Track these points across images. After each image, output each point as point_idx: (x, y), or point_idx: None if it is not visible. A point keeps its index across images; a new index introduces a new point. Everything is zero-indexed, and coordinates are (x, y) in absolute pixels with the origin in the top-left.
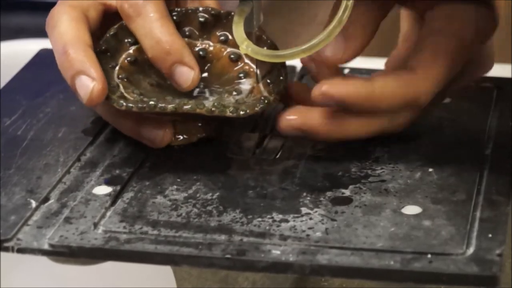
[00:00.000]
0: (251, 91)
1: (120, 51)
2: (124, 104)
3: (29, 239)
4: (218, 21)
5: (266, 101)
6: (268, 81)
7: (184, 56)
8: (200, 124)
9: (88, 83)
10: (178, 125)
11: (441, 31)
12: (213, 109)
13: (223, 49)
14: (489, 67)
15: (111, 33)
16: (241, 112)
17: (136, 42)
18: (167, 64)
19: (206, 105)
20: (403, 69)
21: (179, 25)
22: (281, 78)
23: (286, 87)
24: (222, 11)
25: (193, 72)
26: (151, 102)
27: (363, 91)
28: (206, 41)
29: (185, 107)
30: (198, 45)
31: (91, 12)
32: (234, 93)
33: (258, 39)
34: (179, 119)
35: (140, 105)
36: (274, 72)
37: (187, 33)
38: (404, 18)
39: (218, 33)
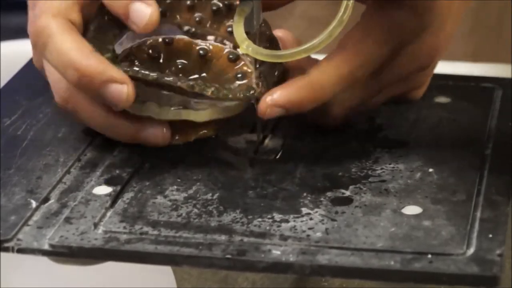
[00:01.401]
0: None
1: (106, 41)
2: (129, 69)
3: (29, 239)
4: (230, 11)
5: (251, 92)
6: (261, 74)
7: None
8: (198, 123)
9: (120, 88)
10: (175, 124)
11: (373, 13)
12: (194, 84)
13: (222, 49)
14: (426, 64)
15: (92, 29)
16: (221, 94)
17: (120, 33)
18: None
19: (188, 81)
20: (334, 51)
21: (192, 9)
22: (276, 73)
23: (278, 82)
24: (235, 3)
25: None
26: (135, 68)
27: (303, 86)
28: (207, 40)
29: (166, 78)
30: (199, 44)
31: (73, 15)
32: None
33: (262, 35)
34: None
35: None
36: (269, 65)
37: (197, 19)
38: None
39: (227, 24)
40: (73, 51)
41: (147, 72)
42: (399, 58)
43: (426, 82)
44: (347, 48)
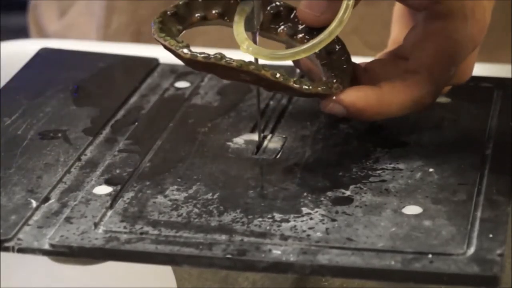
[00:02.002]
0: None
1: (187, 19)
2: (189, 53)
3: (30, 239)
4: (290, 14)
5: (328, 85)
6: (337, 75)
7: None
8: None
9: None
10: None
11: (439, 32)
12: (278, 75)
13: None
14: (468, 75)
15: (157, 21)
16: (304, 87)
17: (205, 16)
18: None
19: (271, 70)
20: (407, 72)
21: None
22: (345, 67)
23: (349, 79)
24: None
25: None
26: (217, 55)
27: (373, 96)
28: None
29: (251, 66)
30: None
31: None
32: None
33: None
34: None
35: (205, 55)
36: (342, 68)
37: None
38: (395, 21)
39: (284, 26)
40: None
41: (229, 59)
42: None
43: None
44: (421, 72)
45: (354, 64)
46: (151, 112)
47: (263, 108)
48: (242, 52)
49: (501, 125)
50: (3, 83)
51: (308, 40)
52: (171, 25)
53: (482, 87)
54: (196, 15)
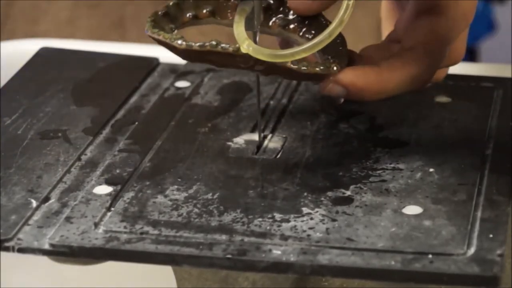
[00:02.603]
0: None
1: (178, 19)
2: (184, 43)
3: (30, 239)
4: (280, 7)
5: (327, 65)
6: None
7: None
8: None
9: None
10: None
11: (431, 9)
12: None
13: None
14: (461, 56)
15: (149, 20)
16: (303, 68)
17: (196, 16)
18: None
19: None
20: (402, 50)
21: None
22: (340, 49)
23: (346, 62)
24: None
25: None
26: (213, 41)
27: (372, 74)
28: None
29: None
30: None
31: None
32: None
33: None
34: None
35: (200, 43)
36: (338, 53)
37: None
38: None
39: (276, 19)
40: None
41: (225, 45)
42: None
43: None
44: (417, 49)
45: (349, 50)
46: (151, 112)
47: (263, 108)
48: (242, 51)
49: (501, 125)
50: (3, 83)
51: (301, 30)
52: (164, 24)
53: (482, 87)
54: (187, 14)
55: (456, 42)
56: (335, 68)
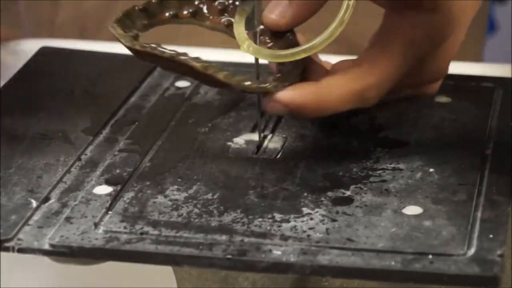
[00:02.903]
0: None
1: (157, 16)
2: (129, 42)
3: (30, 239)
4: None
5: (266, 84)
6: (280, 71)
7: None
8: None
9: None
10: None
11: (391, 30)
12: (208, 66)
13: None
14: (442, 74)
15: (121, 14)
16: (234, 80)
17: (177, 15)
18: None
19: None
20: (352, 67)
21: (222, 12)
22: (299, 73)
23: (295, 82)
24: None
25: None
26: (154, 45)
27: (310, 91)
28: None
29: (182, 57)
30: None
31: None
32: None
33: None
34: None
35: (144, 44)
36: (292, 65)
37: (225, 23)
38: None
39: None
40: None
41: (163, 50)
42: (415, 71)
43: (440, 80)
44: (363, 65)
45: (318, 64)
46: (151, 112)
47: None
48: (242, 52)
49: (501, 125)
50: (3, 83)
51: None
52: (136, 19)
53: (482, 87)
54: (168, 13)
55: (434, 60)
56: (268, 86)
